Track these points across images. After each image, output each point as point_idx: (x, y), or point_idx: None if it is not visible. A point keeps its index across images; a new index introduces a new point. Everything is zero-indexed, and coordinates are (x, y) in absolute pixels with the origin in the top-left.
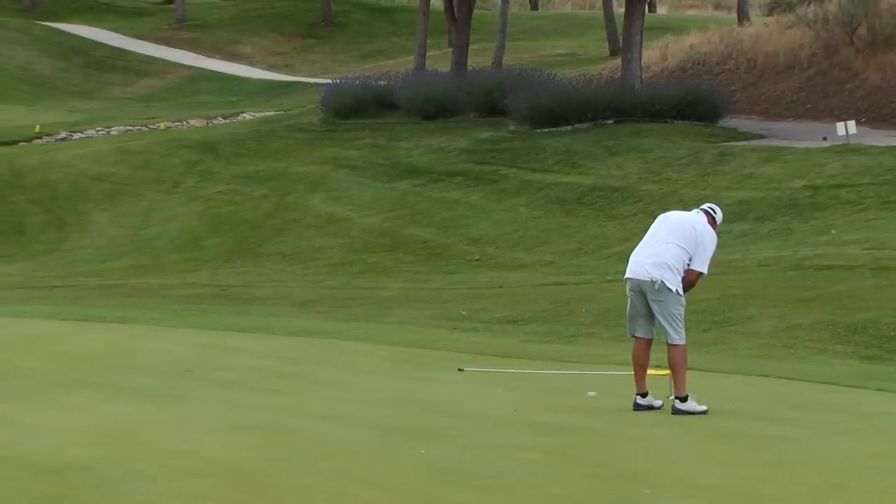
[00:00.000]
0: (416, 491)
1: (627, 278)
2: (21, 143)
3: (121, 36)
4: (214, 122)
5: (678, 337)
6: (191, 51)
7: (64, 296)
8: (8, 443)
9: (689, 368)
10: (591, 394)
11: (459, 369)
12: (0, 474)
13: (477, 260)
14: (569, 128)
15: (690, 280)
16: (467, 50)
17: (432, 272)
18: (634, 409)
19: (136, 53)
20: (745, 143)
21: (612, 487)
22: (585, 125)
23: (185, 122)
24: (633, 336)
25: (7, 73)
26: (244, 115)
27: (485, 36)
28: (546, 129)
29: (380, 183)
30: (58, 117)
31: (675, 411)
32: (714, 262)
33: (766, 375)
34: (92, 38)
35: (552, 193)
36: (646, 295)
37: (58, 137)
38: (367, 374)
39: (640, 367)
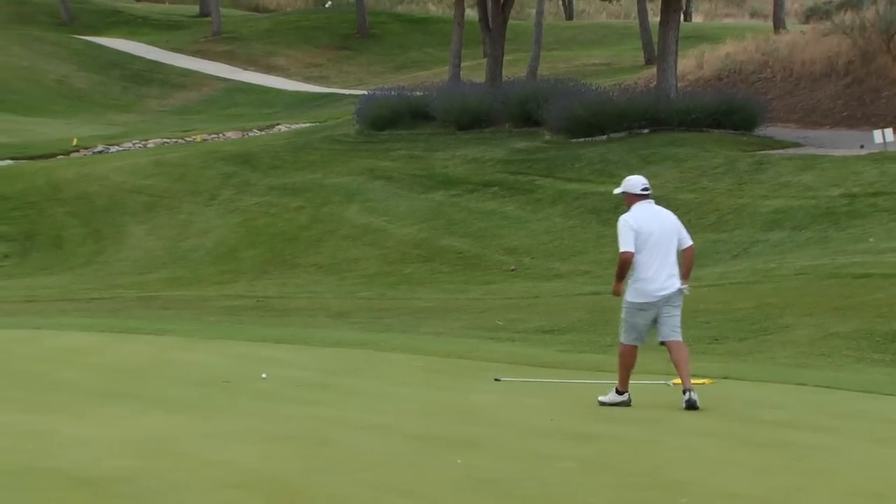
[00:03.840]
0: (453, 501)
1: (650, 302)
2: (59, 157)
3: (157, 49)
4: (250, 134)
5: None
6: (226, 63)
7: (102, 308)
8: (46, 455)
9: (726, 377)
10: (264, 375)
11: (496, 379)
12: (38, 486)
13: (513, 270)
14: (604, 137)
15: (693, 260)
16: (502, 60)
17: (468, 282)
18: (627, 406)
19: (172, 66)
20: (781, 151)
21: (649, 497)
22: (621, 134)
23: (221, 135)
24: (632, 345)
25: (45, 87)
26: (280, 126)
27: (520, 46)
28: (581, 139)
29: (415, 194)
30: (95, 130)
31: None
32: (750, 270)
33: (804, 384)
34: (129, 51)
35: (588, 203)
36: (664, 306)
37: (95, 150)
38: (404, 385)
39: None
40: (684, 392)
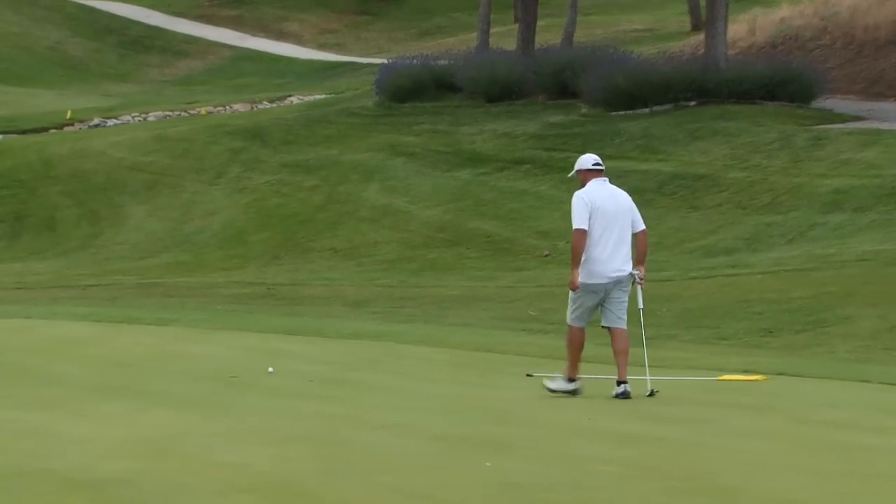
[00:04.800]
0: None
1: (601, 284)
2: (51, 131)
3: (158, 13)
4: (260, 106)
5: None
6: (234, 29)
7: (99, 295)
8: (41, 455)
9: (781, 374)
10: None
11: (528, 375)
12: (32, 489)
13: (547, 255)
14: (647, 110)
15: (647, 244)
16: (535, 26)
17: (498, 269)
18: (575, 394)
19: (174, 32)
20: (841, 125)
21: (695, 503)
22: (665, 107)
23: (228, 107)
24: (580, 326)
25: (36, 55)
26: (292, 98)
27: (554, 10)
28: (622, 112)
29: (440, 172)
30: (90, 102)
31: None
32: (807, 256)
33: (866, 381)
34: (127, 16)
35: (629, 182)
36: (614, 289)
37: (91, 124)
38: (427, 381)
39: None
40: (618, 384)
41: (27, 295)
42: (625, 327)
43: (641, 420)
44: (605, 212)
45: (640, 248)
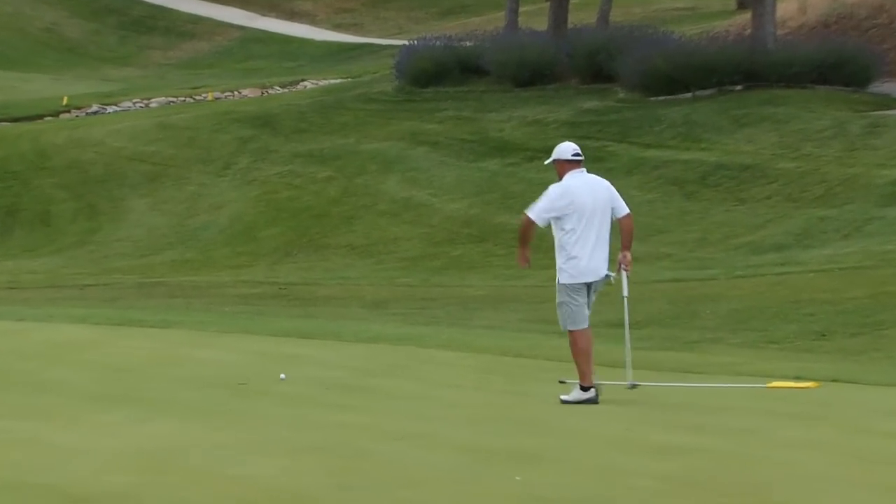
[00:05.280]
0: None
1: (585, 282)
2: (46, 118)
3: None
4: (271, 91)
5: None
6: (242, 8)
7: (97, 296)
8: (35, 468)
9: (835, 380)
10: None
11: (561, 381)
12: None
13: None
14: (689, 95)
15: (632, 229)
16: (568, 4)
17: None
18: (595, 403)
19: (178, 12)
20: None
21: None
22: (709, 92)
23: (236, 93)
24: (582, 328)
25: (31, 37)
26: (305, 83)
27: None
28: (662, 98)
29: (465, 162)
30: (89, 87)
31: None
32: (863, 253)
33: None
34: None
35: (669, 173)
36: (589, 288)
37: (89, 111)
38: (452, 388)
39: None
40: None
41: (20, 295)
42: (587, 325)
43: (683, 430)
44: (583, 207)
45: (626, 232)
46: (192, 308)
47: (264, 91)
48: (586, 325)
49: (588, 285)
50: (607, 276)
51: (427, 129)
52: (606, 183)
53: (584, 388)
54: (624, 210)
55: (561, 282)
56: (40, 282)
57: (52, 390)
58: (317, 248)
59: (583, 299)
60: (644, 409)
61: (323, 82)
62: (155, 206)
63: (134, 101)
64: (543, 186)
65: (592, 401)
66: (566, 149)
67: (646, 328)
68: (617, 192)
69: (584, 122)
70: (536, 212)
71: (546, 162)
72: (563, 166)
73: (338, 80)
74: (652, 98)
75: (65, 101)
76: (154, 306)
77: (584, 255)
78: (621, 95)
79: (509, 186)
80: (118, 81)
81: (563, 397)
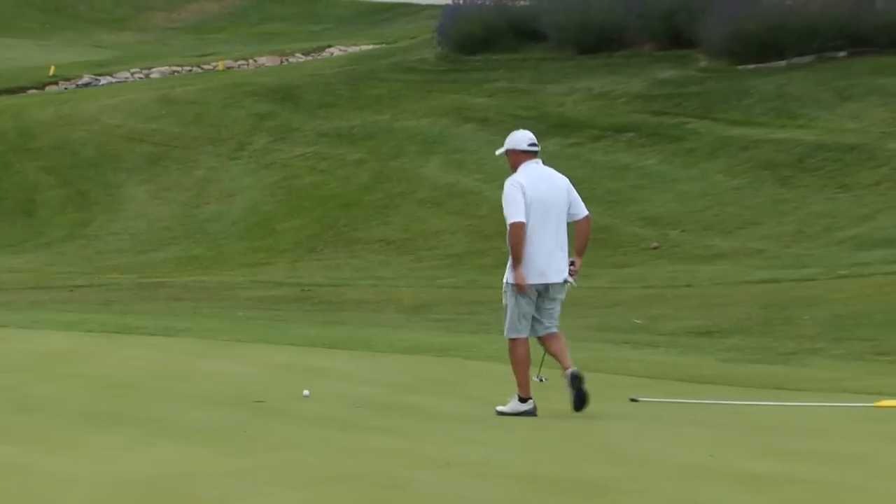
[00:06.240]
0: None
1: (538, 284)
2: (31, 91)
3: None
4: (291, 59)
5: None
6: None
7: (90, 299)
8: (18, 499)
9: None
10: (306, 392)
11: (632, 399)
12: None
13: (655, 248)
14: (783, 63)
15: (589, 234)
16: None
17: (593, 265)
18: (532, 415)
19: None
20: None
21: None
22: (807, 59)
23: (251, 61)
24: (523, 337)
25: None
26: (332, 50)
27: None
28: (751, 66)
29: None
30: (79, 55)
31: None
32: None
33: None
34: None
35: (760, 155)
36: (547, 295)
37: (79, 83)
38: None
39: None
40: (566, 369)
41: (1, 298)
42: (557, 330)
43: (777, 457)
44: (541, 201)
45: (581, 237)
46: (200, 313)
47: (284, 59)
48: (527, 335)
49: (544, 290)
50: (566, 281)
51: (475, 103)
52: (566, 179)
53: (522, 400)
54: (584, 212)
55: (509, 281)
56: (23, 282)
57: (38, 409)
58: (346, 243)
59: (530, 307)
60: (730, 431)
61: (352, 49)
62: (157, 194)
63: (132, 71)
64: (612, 170)
65: (531, 413)
66: (522, 138)
67: (732, 337)
68: (576, 192)
69: (659, 95)
70: (517, 212)
71: (498, 152)
72: (518, 157)
73: (370, 47)
74: (740, 66)
75: (51, 72)
76: (156, 311)
77: (540, 254)
78: (703, 63)
79: (572, 171)
80: (113, 48)
81: (498, 408)
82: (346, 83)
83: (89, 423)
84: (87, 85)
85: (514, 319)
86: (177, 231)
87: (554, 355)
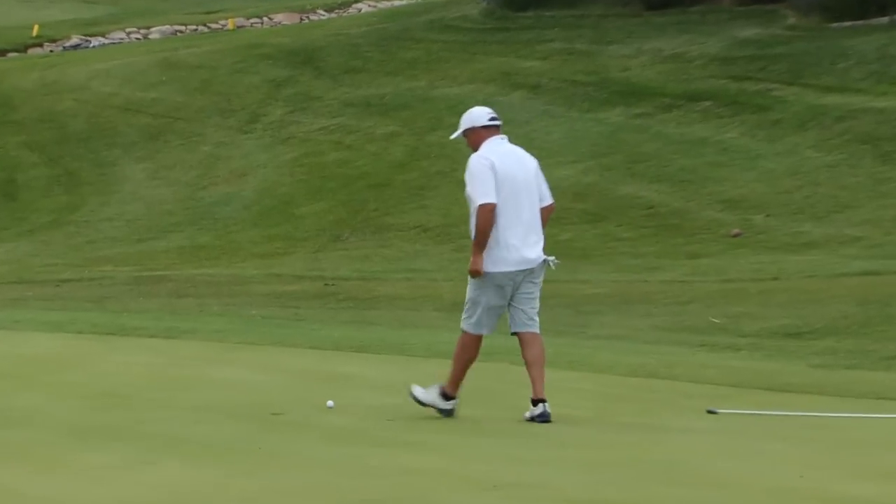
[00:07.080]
0: None
1: (511, 273)
2: (11, 55)
3: None
4: (312, 17)
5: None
6: None
7: (80, 295)
8: None
9: None
10: (330, 403)
11: (710, 411)
12: None
13: (737, 235)
14: (885, 20)
15: (547, 221)
16: None
17: (663, 255)
18: (449, 416)
19: None
20: None
21: None
22: None
23: (266, 19)
24: (479, 334)
25: None
26: (360, 5)
27: None
28: (848, 23)
29: (578, 113)
30: (67, 12)
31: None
32: None
33: None
34: None
35: (859, 127)
36: (524, 281)
37: (67, 45)
38: (561, 420)
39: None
40: (534, 403)
41: None
42: (537, 330)
43: (876, 477)
44: (513, 179)
45: (541, 225)
46: (206, 311)
47: (304, 17)
48: (489, 333)
49: (516, 281)
50: (546, 260)
51: (525, 67)
52: (535, 161)
53: (447, 397)
54: (548, 199)
55: (490, 271)
56: (3, 275)
57: (22, 423)
58: (375, 230)
59: (498, 300)
60: (823, 448)
61: (383, 4)
62: (156, 174)
63: (128, 30)
64: (685, 145)
65: (448, 413)
66: (480, 113)
67: (826, 338)
68: (544, 176)
69: (740, 58)
70: (486, 192)
71: (453, 136)
72: (479, 134)
73: (403, 2)
74: (834, 24)
75: (35, 32)
76: (156, 309)
77: (510, 242)
78: (792, 21)
79: (638, 145)
80: (106, 3)
81: (415, 392)
82: (375, 44)
83: (80, 439)
84: (76, 47)
85: (476, 313)
86: (180, 216)
87: (527, 364)
